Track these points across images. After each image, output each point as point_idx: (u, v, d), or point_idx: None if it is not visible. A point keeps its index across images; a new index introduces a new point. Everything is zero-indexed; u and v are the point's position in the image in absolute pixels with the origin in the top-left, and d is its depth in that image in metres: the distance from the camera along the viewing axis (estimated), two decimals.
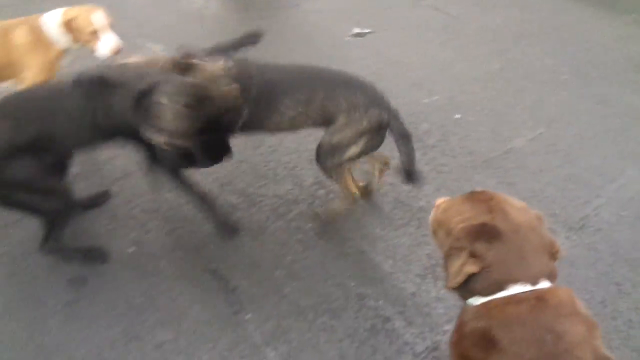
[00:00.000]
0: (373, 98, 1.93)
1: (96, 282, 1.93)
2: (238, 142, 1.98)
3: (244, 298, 1.89)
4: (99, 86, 1.71)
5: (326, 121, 1.93)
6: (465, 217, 1.04)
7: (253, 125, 1.92)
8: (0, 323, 1.79)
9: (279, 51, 3.29)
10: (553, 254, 1.03)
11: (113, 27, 2.33)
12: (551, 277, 1.01)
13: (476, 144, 2.63)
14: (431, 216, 1.20)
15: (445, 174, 2.46)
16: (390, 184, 2.37)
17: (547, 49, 3.43)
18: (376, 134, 1.94)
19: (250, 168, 2.46)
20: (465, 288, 1.03)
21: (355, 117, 1.88)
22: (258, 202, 2.29)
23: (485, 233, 1.00)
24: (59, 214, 1.87)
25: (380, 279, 1.97)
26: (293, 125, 1.96)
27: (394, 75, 3.12)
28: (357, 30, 3.58)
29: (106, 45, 2.29)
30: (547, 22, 3.76)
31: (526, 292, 0.98)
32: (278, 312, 1.84)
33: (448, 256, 1.05)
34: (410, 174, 1.95)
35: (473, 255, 0.99)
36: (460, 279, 1.00)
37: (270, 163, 2.50)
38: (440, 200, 1.17)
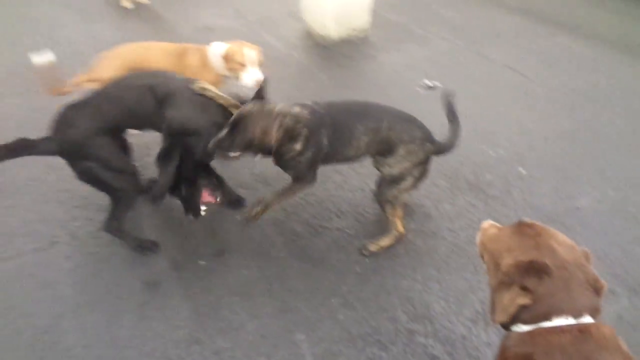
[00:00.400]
0: (427, 133, 2.17)
1: (168, 287, 2.13)
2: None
3: (299, 319, 2.00)
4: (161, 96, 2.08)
5: (386, 151, 2.14)
6: (513, 252, 1.12)
7: (334, 153, 2.12)
8: (84, 313, 2.02)
9: (352, 97, 3.50)
10: (598, 290, 1.07)
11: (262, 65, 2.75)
12: (594, 312, 1.06)
13: (539, 200, 2.65)
14: (477, 238, 1.28)
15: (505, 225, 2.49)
16: (449, 229, 2.44)
17: (619, 111, 3.40)
18: (427, 165, 2.20)
19: (317, 201, 2.62)
20: (512, 318, 1.10)
21: (414, 149, 2.10)
22: (320, 233, 2.43)
23: (535, 269, 1.07)
24: (126, 194, 2.15)
25: (431, 318, 2.02)
26: (363, 152, 2.15)
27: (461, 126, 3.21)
28: (428, 82, 3.74)
29: (250, 77, 2.70)
30: (618, 85, 3.74)
31: (570, 324, 1.03)
32: (330, 337, 1.94)
33: (497, 290, 1.13)
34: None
35: (524, 289, 1.06)
36: (512, 310, 1.07)
37: (335, 198, 2.64)
38: (487, 224, 1.25)
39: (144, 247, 2.28)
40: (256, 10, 5.19)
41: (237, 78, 2.75)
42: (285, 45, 4.42)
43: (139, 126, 2.24)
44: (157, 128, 2.18)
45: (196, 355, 1.87)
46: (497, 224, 1.31)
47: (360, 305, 2.07)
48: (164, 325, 1.97)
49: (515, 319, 1.10)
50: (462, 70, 3.97)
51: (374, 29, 4.64)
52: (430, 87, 3.70)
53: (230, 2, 5.37)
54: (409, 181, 2.17)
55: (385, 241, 2.31)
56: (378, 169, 2.25)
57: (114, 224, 2.19)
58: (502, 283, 1.11)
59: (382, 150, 2.14)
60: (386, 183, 2.18)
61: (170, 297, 2.09)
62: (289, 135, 1.99)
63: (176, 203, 2.30)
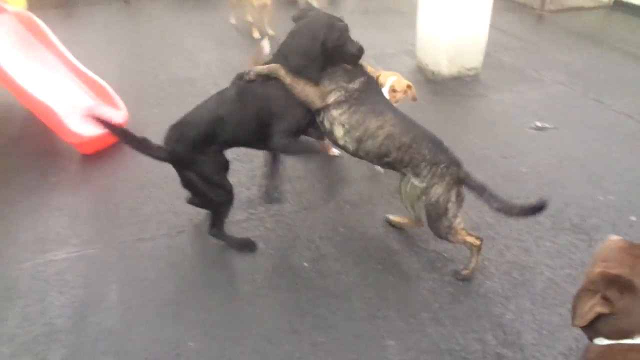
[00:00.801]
0: (453, 158, 2.20)
1: (273, 281, 2.37)
2: None
3: (391, 327, 2.13)
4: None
5: (409, 163, 2.19)
6: (607, 263, 1.19)
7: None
8: (201, 293, 2.32)
9: (460, 133, 3.62)
10: None
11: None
12: None
13: None
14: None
15: None
16: (548, 265, 2.44)
17: None
18: (459, 189, 2.20)
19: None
20: (593, 328, 1.16)
21: (438, 173, 2.16)
22: (417, 252, 2.55)
23: (619, 283, 1.13)
24: (222, 205, 2.42)
25: (522, 347, 2.04)
26: (383, 146, 2.21)
27: (570, 169, 3.19)
28: (538, 124, 3.73)
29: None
30: None
31: None
32: (419, 347, 2.04)
33: (579, 295, 1.19)
34: (507, 210, 2.16)
35: (604, 298, 1.13)
36: (589, 316, 1.13)
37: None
38: (614, 238, 1.29)
39: (246, 247, 2.55)
40: (375, 46, 5.49)
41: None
42: None
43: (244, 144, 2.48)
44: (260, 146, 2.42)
45: (294, 343, 2.06)
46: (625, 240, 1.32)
47: (450, 322, 2.15)
48: (268, 313, 2.20)
49: (597, 331, 1.15)
50: (575, 115, 3.91)
51: (486, 68, 4.72)
52: (541, 128, 3.70)
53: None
54: (452, 209, 2.19)
55: (472, 262, 2.36)
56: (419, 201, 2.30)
57: (215, 230, 2.49)
58: (586, 289, 1.18)
59: (406, 158, 2.19)
60: (431, 217, 2.22)
61: (274, 290, 2.33)
62: None
63: (286, 215, 2.56)
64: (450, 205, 2.20)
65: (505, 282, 2.36)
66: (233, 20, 6.42)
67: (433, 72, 4.61)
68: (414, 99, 3.04)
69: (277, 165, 2.58)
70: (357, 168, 3.23)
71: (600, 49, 5.34)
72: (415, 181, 2.23)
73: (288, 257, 2.52)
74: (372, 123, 2.18)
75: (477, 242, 2.33)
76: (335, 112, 2.21)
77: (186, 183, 2.39)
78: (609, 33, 5.91)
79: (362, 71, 2.30)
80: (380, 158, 2.26)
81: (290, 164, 3.20)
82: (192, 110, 2.34)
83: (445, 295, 2.29)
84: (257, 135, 2.31)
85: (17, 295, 2.31)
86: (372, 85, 2.32)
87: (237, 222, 2.76)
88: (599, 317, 1.14)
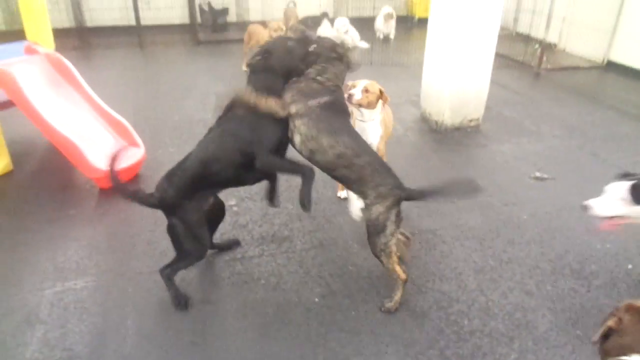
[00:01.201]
0: (398, 183, 2.40)
1: (285, 316, 2.45)
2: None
3: None
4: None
5: (356, 182, 2.38)
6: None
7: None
8: (220, 325, 2.39)
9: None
10: None
11: None
12: None
13: None
14: None
15: (606, 314, 2.53)
16: (548, 307, 2.54)
17: None
18: (399, 211, 2.38)
19: (422, 264, 2.86)
20: (604, 348, 1.31)
21: (382, 193, 2.34)
22: (424, 292, 2.65)
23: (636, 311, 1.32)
24: (191, 258, 2.49)
25: None
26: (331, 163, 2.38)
27: (568, 217, 3.33)
28: (538, 174, 3.90)
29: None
30: None
31: None
32: None
33: (605, 319, 1.39)
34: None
35: (619, 319, 1.30)
36: (602, 331, 1.30)
37: (440, 265, 2.86)
38: None
39: (179, 301, 2.50)
40: None
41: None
42: (402, 126, 4.86)
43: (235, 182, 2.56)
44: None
45: None
46: None
47: None
48: (281, 345, 2.28)
49: (607, 351, 1.29)
50: (573, 167, 4.09)
51: (487, 121, 4.95)
52: (540, 178, 3.86)
53: None
54: (390, 227, 2.35)
55: (397, 294, 2.50)
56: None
57: (167, 271, 2.49)
58: (611, 314, 1.40)
59: (349, 178, 2.38)
60: (371, 233, 2.38)
61: (286, 323, 2.41)
62: None
63: (297, 252, 2.68)
64: (389, 223, 2.36)
65: (509, 323, 2.45)
66: (245, 67, 6.71)
67: (436, 122, 4.83)
68: (386, 101, 3.15)
69: (273, 194, 2.62)
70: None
71: (594, 106, 5.60)
72: (360, 200, 2.43)
73: (299, 292, 2.61)
74: (325, 141, 2.34)
75: (403, 276, 2.46)
76: (297, 122, 2.38)
77: (169, 228, 2.43)
78: (602, 91, 6.21)
79: (329, 92, 2.45)
80: (329, 172, 2.44)
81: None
82: (184, 158, 2.45)
83: (451, 334, 2.37)
84: (245, 169, 2.38)
85: (38, 321, 2.39)
86: (337, 106, 2.47)
87: (249, 257, 2.87)
88: (609, 335, 1.30)
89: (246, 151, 2.33)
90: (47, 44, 4.21)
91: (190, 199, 2.37)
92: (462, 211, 3.37)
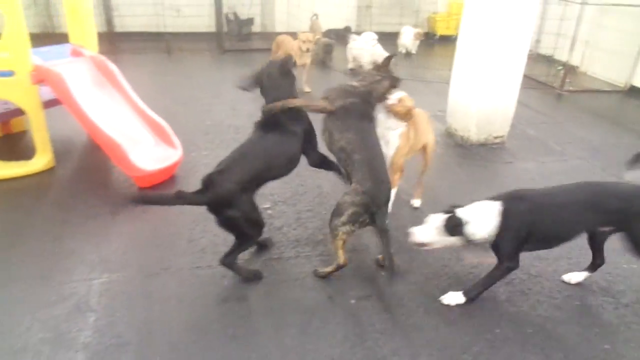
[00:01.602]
0: (376, 190, 2.59)
1: (324, 314, 2.55)
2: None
3: None
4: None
5: (350, 171, 2.69)
6: None
7: None
8: (263, 319, 2.49)
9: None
10: None
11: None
12: None
13: None
14: None
15: (634, 331, 2.60)
16: (577, 322, 2.61)
17: None
18: (362, 212, 2.58)
19: (453, 273, 2.94)
20: None
21: (357, 189, 2.58)
22: None
23: None
24: (253, 239, 2.74)
25: None
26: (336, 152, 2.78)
27: None
28: None
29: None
30: None
31: None
32: None
33: None
34: (388, 265, 2.67)
35: None
36: None
37: (470, 275, 2.94)
38: None
39: (253, 277, 2.78)
40: None
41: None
42: None
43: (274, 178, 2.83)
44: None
45: None
46: None
47: None
48: (320, 343, 2.37)
49: None
50: None
51: (512, 138, 5.04)
52: None
53: None
54: (344, 216, 2.58)
55: (329, 268, 2.80)
56: None
57: (229, 260, 2.67)
58: None
59: (347, 166, 2.72)
60: (332, 214, 2.66)
61: (325, 321, 2.50)
62: None
63: (332, 255, 2.77)
64: (345, 214, 2.58)
65: (540, 334, 2.52)
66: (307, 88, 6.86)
67: (462, 137, 4.93)
68: (409, 118, 3.21)
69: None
70: (401, 217, 3.47)
71: (617, 129, 5.68)
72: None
73: (335, 294, 2.71)
74: (335, 135, 2.73)
75: (341, 261, 2.71)
76: (324, 117, 2.82)
77: (225, 222, 2.61)
78: (625, 115, 6.29)
79: (356, 95, 2.81)
80: (337, 159, 2.81)
81: None
82: (234, 156, 2.66)
83: (483, 341, 2.45)
84: (295, 164, 2.83)
85: (88, 308, 2.50)
86: (356, 108, 2.78)
87: (286, 259, 2.98)
88: None
89: (303, 149, 2.77)
90: (91, 47, 4.38)
91: (248, 191, 2.59)
92: None
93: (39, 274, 2.75)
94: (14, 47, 3.52)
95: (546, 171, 4.43)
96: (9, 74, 3.56)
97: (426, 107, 5.96)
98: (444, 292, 2.73)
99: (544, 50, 8.69)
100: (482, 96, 4.71)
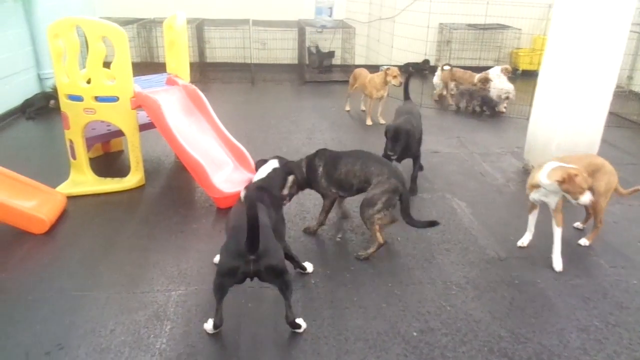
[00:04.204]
0: (395, 173, 3.25)
1: (385, 345, 2.57)
2: None
3: None
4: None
5: (367, 180, 3.31)
6: None
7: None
8: (329, 341, 2.56)
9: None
10: None
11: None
12: None
13: None
14: None
15: None
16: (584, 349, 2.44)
17: None
18: (393, 196, 3.21)
19: (521, 313, 2.85)
20: None
21: (382, 181, 3.21)
22: (523, 342, 2.64)
23: None
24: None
25: None
26: (348, 179, 3.39)
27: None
28: None
29: (587, 197, 3.00)
30: None
31: None
32: None
33: None
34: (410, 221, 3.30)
35: None
36: None
37: (540, 318, 2.84)
38: None
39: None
40: (478, 144, 5.81)
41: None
42: (503, 176, 4.87)
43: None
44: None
45: None
46: None
47: None
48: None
49: None
50: None
51: None
52: None
53: (456, 134, 6.12)
54: (377, 205, 3.19)
55: (372, 249, 3.29)
56: None
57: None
58: None
59: (363, 180, 3.32)
60: (363, 205, 3.25)
61: (386, 351, 2.52)
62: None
63: (396, 286, 2.79)
64: (379, 203, 3.19)
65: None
66: (347, 108, 7.07)
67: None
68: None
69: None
70: (470, 251, 3.43)
71: None
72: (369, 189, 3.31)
73: (398, 325, 2.72)
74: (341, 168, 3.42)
75: (381, 241, 3.26)
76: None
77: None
78: None
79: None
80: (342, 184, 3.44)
81: (399, 241, 3.48)
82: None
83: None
84: None
85: (166, 317, 2.70)
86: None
87: (352, 285, 3.03)
88: None
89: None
90: (184, 76, 4.78)
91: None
92: (566, 266, 3.31)
93: (124, 282, 3.01)
94: (120, 76, 3.94)
95: (633, 214, 4.18)
96: (114, 99, 3.98)
97: (505, 142, 5.89)
98: (511, 333, 2.66)
99: (637, 87, 8.22)
100: (563, 133, 4.56)
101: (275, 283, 2.48)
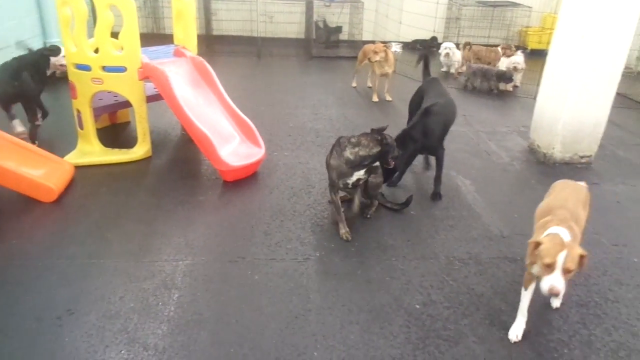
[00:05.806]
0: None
1: (388, 316, 2.63)
2: None
3: None
4: None
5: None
6: None
7: None
8: (324, 314, 2.61)
9: None
10: None
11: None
12: None
13: None
14: None
15: None
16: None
17: None
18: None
19: None
20: None
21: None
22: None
23: None
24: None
25: None
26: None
27: None
28: None
29: (547, 282, 2.13)
30: None
31: None
32: None
33: None
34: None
35: None
36: None
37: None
38: None
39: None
40: (484, 122, 5.80)
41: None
42: (508, 155, 4.87)
43: None
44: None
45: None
46: None
47: None
48: (383, 341, 2.45)
49: None
50: None
51: (599, 159, 4.81)
52: None
53: (462, 112, 6.10)
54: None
55: (372, 209, 3.64)
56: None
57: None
58: None
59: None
60: (374, 189, 3.52)
61: (389, 322, 2.58)
62: None
63: (399, 260, 2.83)
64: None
65: (611, 359, 2.44)
66: (354, 84, 7.04)
67: (545, 154, 4.78)
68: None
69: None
70: (473, 228, 3.47)
71: None
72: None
73: (401, 298, 2.77)
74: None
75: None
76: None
77: None
78: None
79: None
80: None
81: (405, 217, 3.52)
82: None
83: (550, 359, 2.41)
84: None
85: (174, 286, 2.76)
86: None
87: (356, 259, 3.08)
88: None
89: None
90: (192, 48, 4.75)
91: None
92: None
93: (132, 252, 3.06)
94: (128, 46, 3.93)
95: (636, 195, 4.19)
96: (122, 69, 3.98)
97: (511, 121, 5.87)
98: (512, 306, 2.71)
99: None
100: (570, 112, 4.54)
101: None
